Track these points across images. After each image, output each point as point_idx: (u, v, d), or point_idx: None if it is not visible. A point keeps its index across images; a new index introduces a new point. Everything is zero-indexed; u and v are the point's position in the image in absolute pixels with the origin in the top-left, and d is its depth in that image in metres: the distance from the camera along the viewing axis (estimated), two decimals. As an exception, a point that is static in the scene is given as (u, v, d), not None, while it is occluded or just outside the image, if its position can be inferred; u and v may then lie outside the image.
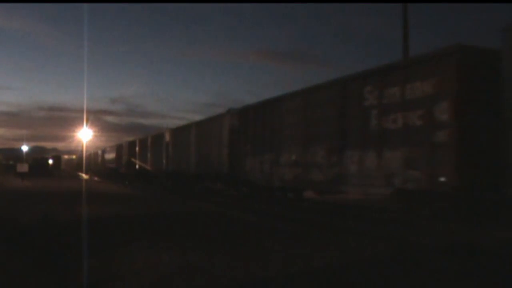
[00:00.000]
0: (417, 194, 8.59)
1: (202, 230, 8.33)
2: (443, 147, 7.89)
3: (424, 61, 8.49)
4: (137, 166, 33.20)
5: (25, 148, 78.86)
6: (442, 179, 7.88)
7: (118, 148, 42.35)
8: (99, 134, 59.86)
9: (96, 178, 41.14)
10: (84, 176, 45.14)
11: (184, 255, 5.79)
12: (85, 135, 53.92)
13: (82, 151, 65.07)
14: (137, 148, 33.32)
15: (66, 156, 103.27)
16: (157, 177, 27.19)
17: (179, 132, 23.16)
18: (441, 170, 7.90)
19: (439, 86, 8.03)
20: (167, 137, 24.99)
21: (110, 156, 46.92)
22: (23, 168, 34.70)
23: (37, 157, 62.24)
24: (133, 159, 34.48)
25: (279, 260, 5.61)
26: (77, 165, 75.74)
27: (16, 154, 76.96)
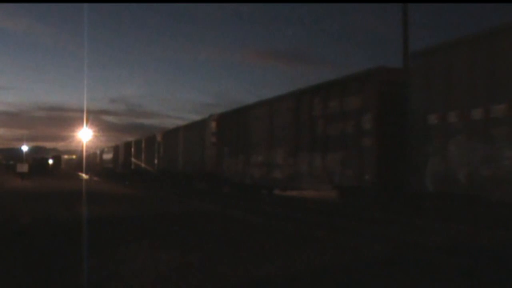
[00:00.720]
0: (350, 189, 10.41)
1: (202, 229, 8.33)
2: (367, 151, 9.71)
3: (355, 79, 10.30)
4: (132, 166, 35.12)
5: (25, 148, 79.16)
6: (367, 177, 9.70)
7: (115, 149, 44.25)
8: (99, 134, 60.30)
9: (96, 178, 41.46)
10: (84, 176, 45.52)
11: (184, 255, 5.79)
12: (85, 135, 54.00)
13: (82, 151, 65.06)
14: (132, 149, 35.21)
15: (66, 156, 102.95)
16: (150, 176, 29.04)
17: (169, 134, 25.01)
18: (366, 170, 9.72)
19: (364, 101, 9.84)
20: (159, 139, 26.85)
21: (108, 156, 48.82)
22: (23, 168, 34.53)
23: (37, 157, 62.20)
24: (128, 160, 36.39)
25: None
26: (77, 165, 75.57)
27: (16, 154, 76.85)
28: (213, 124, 18.39)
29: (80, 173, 53.47)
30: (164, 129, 27.92)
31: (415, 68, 8.69)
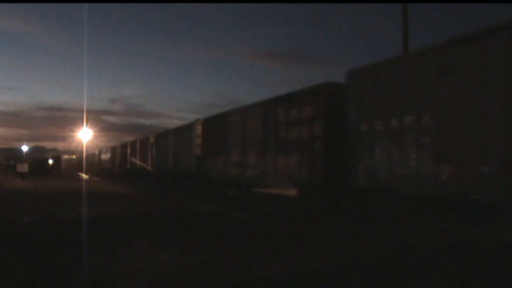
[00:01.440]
0: (305, 187, 12.20)
1: (201, 229, 8.54)
2: (318, 153, 11.49)
3: (310, 93, 12.08)
4: (128, 166, 36.93)
5: (25, 148, 78.74)
6: (317, 175, 11.49)
7: (113, 150, 46.08)
8: (99, 134, 60.03)
9: (96, 178, 41.84)
10: (84, 176, 45.87)
11: (184, 255, 5.93)
12: (85, 135, 53.62)
13: (82, 151, 64.39)
14: (128, 150, 37.02)
15: (66, 156, 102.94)
16: (144, 175, 30.83)
17: (161, 136, 26.81)
18: (317, 169, 11.50)
19: (316, 111, 11.63)
20: (152, 141, 28.66)
21: (106, 156, 50.64)
22: (23, 168, 34.71)
23: (37, 157, 62.43)
24: (125, 160, 38.21)
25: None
26: (77, 165, 75.78)
27: (16, 154, 77.24)
28: (199, 128, 20.18)
29: (80, 173, 54.33)
30: (159, 130, 29.74)
31: (350, 84, 10.47)
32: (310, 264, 5.50)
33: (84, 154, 63.19)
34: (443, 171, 8.01)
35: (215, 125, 18.27)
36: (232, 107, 19.21)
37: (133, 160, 34.50)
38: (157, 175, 27.20)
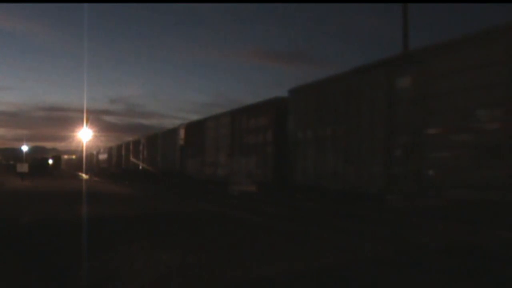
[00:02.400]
0: (261, 184, 14.79)
1: (201, 228, 8.77)
2: (269, 156, 14.06)
3: (264, 104, 14.65)
4: (123, 166, 39.58)
5: (25, 148, 76.98)
6: (269, 174, 14.05)
7: (109, 150, 48.84)
8: (99, 134, 59.66)
9: (96, 178, 42.64)
10: (84, 176, 46.44)
11: (184, 255, 6.01)
12: (85, 135, 53.32)
13: (82, 151, 63.76)
14: (123, 151, 39.69)
15: (66, 156, 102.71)
16: (137, 174, 33.45)
17: (151, 139, 29.44)
18: (268, 169, 14.07)
19: (268, 121, 14.20)
20: (143, 142, 31.29)
21: (103, 157, 53.41)
22: (23, 168, 34.88)
23: (37, 157, 62.45)
24: (120, 160, 40.88)
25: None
26: (77, 165, 75.74)
27: (16, 154, 75.13)
28: (182, 132, 22.78)
29: (80, 173, 54.90)
30: (151, 132, 32.32)
31: (291, 100, 13.05)
32: (310, 264, 5.56)
33: (84, 154, 63.76)
34: (349, 170, 10.58)
35: (195, 130, 20.86)
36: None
37: (127, 160, 37.15)
38: (148, 174, 29.82)
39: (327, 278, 5.04)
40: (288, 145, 13.14)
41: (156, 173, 27.63)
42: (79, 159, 74.12)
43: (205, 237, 7.74)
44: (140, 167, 31.68)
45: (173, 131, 24.40)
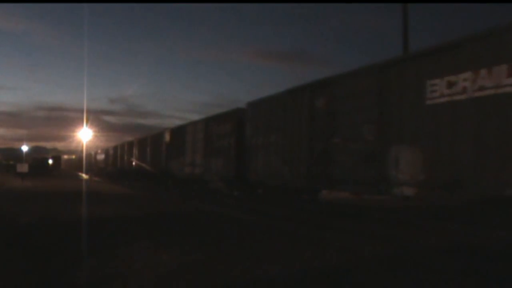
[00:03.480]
0: (226, 181, 17.59)
1: (201, 228, 8.92)
2: (232, 158, 16.85)
3: (230, 113, 17.45)
4: (118, 165, 42.47)
5: (25, 148, 78.05)
6: (231, 173, 16.85)
7: (106, 151, 51.81)
8: (99, 134, 60.41)
9: (96, 178, 43.31)
10: (84, 176, 46.91)
11: (184, 254, 6.10)
12: (85, 135, 54.05)
13: (82, 151, 63.82)
14: (118, 152, 42.58)
15: (66, 156, 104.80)
16: (130, 173, 36.30)
17: (142, 141, 32.31)
18: (231, 169, 16.87)
19: (232, 128, 17.01)
20: (135, 144, 34.16)
21: (100, 157, 56.37)
22: (23, 168, 34.96)
23: (37, 157, 63.15)
24: (116, 160, 43.78)
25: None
26: (77, 165, 76.57)
27: (16, 154, 76.78)
28: (167, 135, 25.61)
29: (80, 173, 55.71)
30: (143, 135, 35.13)
31: (247, 111, 15.86)
32: (310, 264, 5.63)
33: (84, 154, 64.35)
34: (285, 170, 13.37)
35: (177, 134, 23.70)
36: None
37: (122, 160, 40.04)
38: (140, 173, 32.67)
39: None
40: (245, 149, 15.95)
41: (146, 172, 30.47)
42: (79, 159, 75.57)
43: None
44: (133, 167, 34.56)
45: (160, 135, 27.25)
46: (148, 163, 29.68)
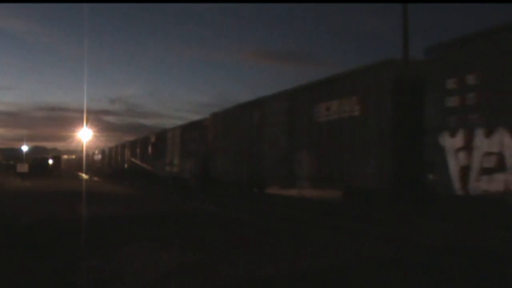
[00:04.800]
0: (196, 178, 21.54)
1: (200, 228, 9.17)
2: (200, 159, 20.76)
3: (198, 123, 21.37)
4: (113, 165, 46.53)
5: (25, 148, 79.69)
6: (199, 171, 20.77)
7: (103, 152, 55.97)
8: (99, 134, 60.65)
9: (96, 178, 44.68)
10: (84, 176, 48.22)
11: (184, 253, 6.33)
12: (85, 135, 54.13)
13: (82, 151, 63.73)
14: (113, 153, 46.66)
15: (66, 156, 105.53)
16: (124, 172, 40.30)
17: (133, 143, 36.33)
18: (200, 168, 20.79)
19: (200, 134, 20.92)
20: (127, 146, 38.17)
21: (98, 157, 60.56)
22: (23, 168, 35.96)
23: (37, 157, 64.39)
24: (111, 160, 47.84)
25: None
26: (77, 165, 77.93)
27: (16, 154, 78.07)
28: (153, 138, 29.58)
29: (80, 173, 56.66)
30: (130, 140, 39.07)
31: (212, 120, 19.77)
32: (310, 264, 5.70)
33: (84, 154, 64.47)
34: (235, 169, 17.27)
35: (161, 138, 27.67)
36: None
37: (116, 160, 44.07)
38: (131, 172, 36.67)
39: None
40: (209, 152, 19.87)
41: (136, 171, 34.48)
42: (79, 159, 75.39)
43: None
44: (126, 167, 38.60)
45: (147, 138, 31.25)
46: (137, 164, 33.66)
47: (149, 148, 30.08)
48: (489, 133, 7.99)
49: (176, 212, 12.39)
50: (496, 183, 7.84)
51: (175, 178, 25.19)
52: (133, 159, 36.79)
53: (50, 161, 63.77)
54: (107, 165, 50.97)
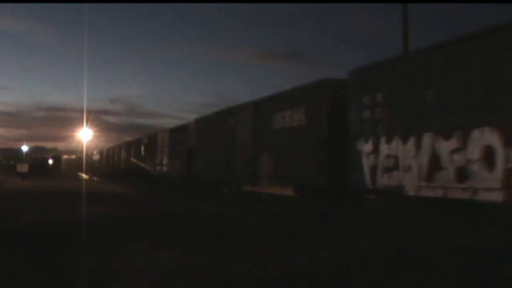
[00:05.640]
0: (181, 177, 24.05)
1: (199, 228, 9.36)
2: (184, 159, 23.26)
3: (184, 126, 23.86)
4: (110, 165, 49.11)
5: (25, 148, 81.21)
6: (183, 171, 23.27)
7: (101, 152, 58.57)
8: (99, 134, 61.53)
9: (96, 178, 45.46)
10: (84, 176, 48.78)
11: (184, 253, 6.43)
12: (85, 135, 55.97)
13: (81, 151, 65.57)
14: (110, 153, 49.26)
15: (66, 156, 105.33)
16: (120, 172, 42.84)
17: (127, 145, 38.88)
18: (184, 168, 23.28)
19: (184, 137, 23.44)
20: (123, 147, 40.73)
21: (96, 157, 63.15)
22: (23, 168, 36.16)
23: (37, 157, 66.17)
24: (108, 161, 50.43)
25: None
26: (77, 165, 77.20)
27: (16, 154, 78.98)
28: (145, 140, 32.12)
29: (80, 173, 57.76)
30: (125, 141, 41.58)
31: (194, 124, 22.26)
32: (310, 264, 5.87)
33: (84, 154, 65.78)
34: (215, 169, 19.74)
35: (152, 140, 30.21)
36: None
37: (113, 161, 46.65)
38: (126, 172, 39.23)
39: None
40: (192, 154, 22.38)
41: (130, 171, 37.02)
42: (79, 159, 75.91)
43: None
44: (122, 167, 41.16)
45: (140, 140, 33.81)
46: (132, 164, 36.19)
47: (142, 149, 32.60)
48: (388, 140, 10.45)
49: (171, 211, 14.88)
50: (393, 179, 10.30)
51: (165, 177, 27.70)
52: (133, 159, 39.31)
53: (50, 161, 66.86)
54: (105, 165, 53.53)
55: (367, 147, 11.05)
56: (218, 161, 19.29)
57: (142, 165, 32.26)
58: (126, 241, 7.41)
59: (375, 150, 10.81)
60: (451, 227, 9.09)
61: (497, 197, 8.08)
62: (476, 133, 8.48)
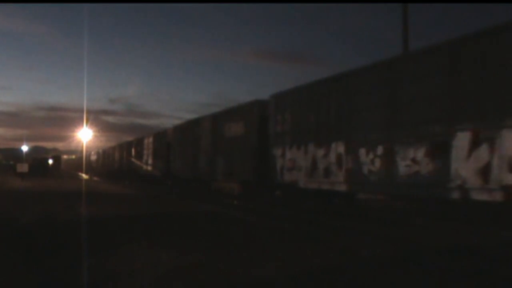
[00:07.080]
0: (162, 175, 28.71)
1: (199, 227, 9.68)
2: (165, 160, 27.89)
3: (164, 132, 28.51)
4: (106, 166, 53.86)
5: (25, 148, 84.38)
6: (165, 169, 27.90)
7: (98, 153, 63.38)
8: (99, 134, 65.58)
9: (96, 178, 46.95)
10: (84, 176, 50.51)
11: (183, 253, 6.58)
12: (85, 135, 59.54)
13: (82, 151, 70.50)
14: (106, 154, 54.05)
15: (66, 156, 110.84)
16: (115, 172, 47.54)
17: (122, 146, 43.63)
18: (164, 167, 27.93)
19: (166, 141, 28.08)
20: (117, 148, 45.49)
21: (94, 158, 67.93)
22: (23, 168, 37.62)
23: (37, 157, 66.51)
24: (105, 161, 55.21)
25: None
26: (77, 165, 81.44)
27: (16, 154, 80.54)
28: (135, 143, 36.84)
29: (79, 173, 59.70)
30: (121, 142, 46.27)
31: (172, 131, 26.88)
32: (310, 264, 5.98)
33: (84, 154, 70.29)
34: (186, 168, 24.35)
35: (139, 143, 34.96)
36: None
37: (109, 161, 51.45)
38: (121, 172, 43.97)
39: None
40: (172, 155, 27.02)
41: (124, 171, 41.76)
42: (79, 159, 79.84)
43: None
44: (116, 167, 45.97)
45: (130, 142, 38.56)
46: (123, 165, 40.93)
47: (133, 151, 37.33)
48: (290, 148, 15.01)
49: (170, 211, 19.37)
50: (292, 176, 14.86)
51: (150, 175, 32.38)
52: (125, 160, 43.88)
53: (50, 161, 67.94)
54: (101, 165, 58.32)
55: (279, 152, 15.63)
56: (188, 162, 23.90)
57: (132, 165, 37.00)
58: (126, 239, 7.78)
59: (283, 155, 15.39)
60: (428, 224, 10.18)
61: (342, 188, 12.63)
62: (334, 145, 13.04)
